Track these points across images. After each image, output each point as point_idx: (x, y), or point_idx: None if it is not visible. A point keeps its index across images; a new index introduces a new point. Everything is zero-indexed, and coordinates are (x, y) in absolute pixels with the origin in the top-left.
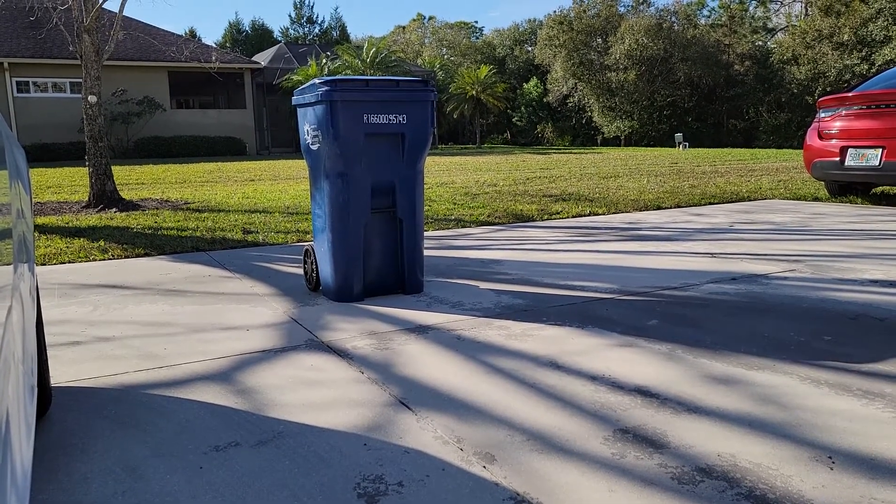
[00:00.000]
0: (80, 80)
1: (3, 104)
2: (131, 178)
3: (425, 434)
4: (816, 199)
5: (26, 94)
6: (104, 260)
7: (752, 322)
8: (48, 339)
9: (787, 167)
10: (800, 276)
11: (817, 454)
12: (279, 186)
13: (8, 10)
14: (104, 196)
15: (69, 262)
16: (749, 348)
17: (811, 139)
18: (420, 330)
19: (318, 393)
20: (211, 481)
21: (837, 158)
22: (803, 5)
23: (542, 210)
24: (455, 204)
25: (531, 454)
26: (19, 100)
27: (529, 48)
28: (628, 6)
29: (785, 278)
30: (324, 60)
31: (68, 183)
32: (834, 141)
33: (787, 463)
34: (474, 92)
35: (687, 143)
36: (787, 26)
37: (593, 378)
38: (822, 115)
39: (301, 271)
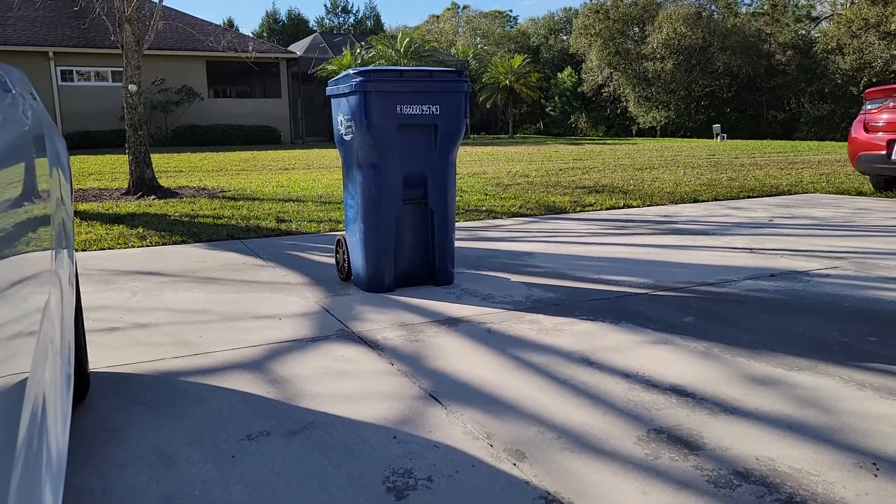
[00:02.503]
0: (122, 69)
1: (48, 93)
2: (169, 166)
3: (455, 429)
4: (860, 193)
5: (70, 82)
6: (142, 247)
7: (793, 321)
8: (88, 325)
9: (830, 160)
10: (843, 273)
11: (861, 460)
12: (312, 175)
13: (53, 1)
14: (143, 183)
15: (109, 248)
16: (789, 348)
17: (856, 132)
18: (450, 322)
19: (348, 384)
20: (242, 470)
21: (884, 152)
22: None
23: (574, 202)
24: (486, 195)
25: (562, 452)
26: (63, 88)
27: (564, 37)
28: None
29: (827, 276)
30: (358, 50)
31: (109, 170)
32: (881, 134)
33: (829, 469)
34: (507, 81)
35: (725, 135)
36: (832, 15)
37: (627, 376)
38: (869, 106)
39: (333, 261)
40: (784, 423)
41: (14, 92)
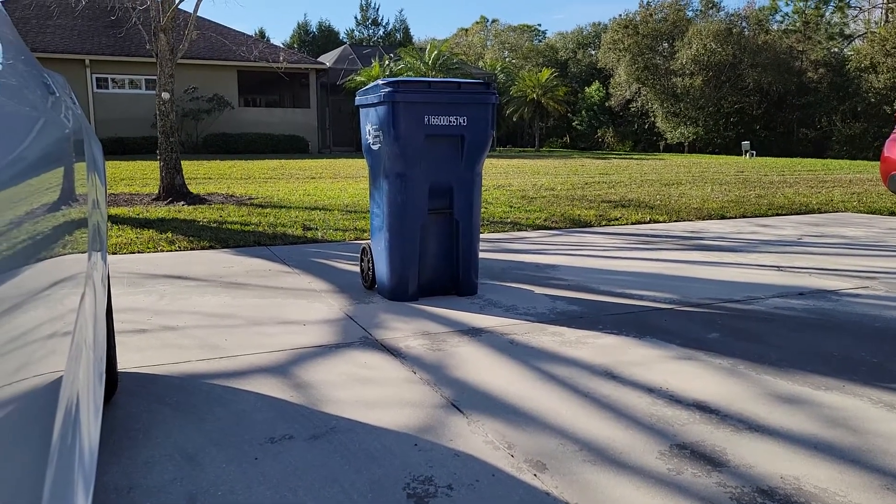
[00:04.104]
0: (155, 77)
1: (84, 99)
2: (199, 173)
3: (476, 438)
4: (893, 213)
5: (105, 89)
6: (171, 251)
7: (821, 340)
8: (117, 326)
9: (862, 179)
10: (873, 293)
11: (889, 482)
12: (339, 185)
13: (91, 10)
14: (173, 189)
15: (139, 252)
16: (816, 367)
17: (889, 151)
18: (473, 332)
19: (370, 391)
20: (265, 472)
21: None
22: (884, 11)
23: (600, 216)
24: (511, 207)
25: (583, 465)
26: (98, 95)
27: (592, 52)
28: (697, 10)
29: (857, 295)
30: (387, 62)
31: (140, 176)
32: None
33: (856, 489)
34: (535, 95)
35: (754, 152)
36: (865, 33)
37: (650, 390)
38: None
39: (357, 269)
40: (810, 442)
41: (57, 94)
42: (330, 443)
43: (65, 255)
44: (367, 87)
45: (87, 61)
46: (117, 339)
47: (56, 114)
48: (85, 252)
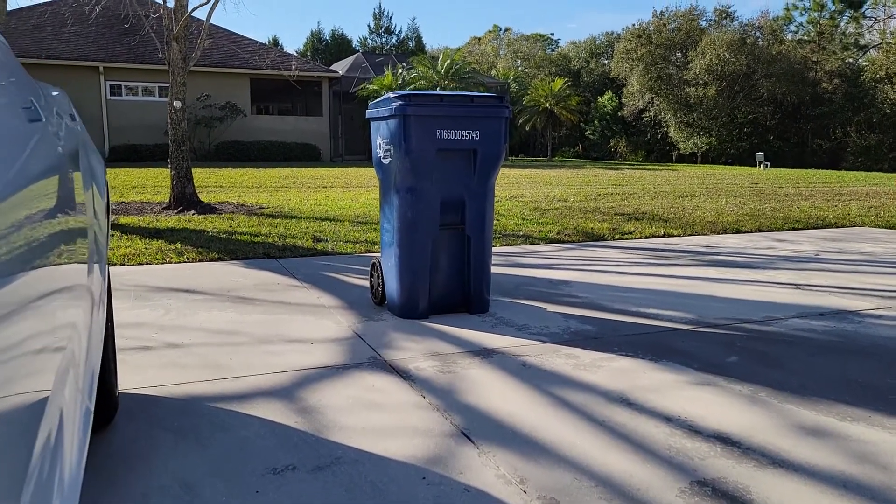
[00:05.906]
0: (168, 85)
1: (97, 106)
2: (210, 181)
3: (487, 471)
4: None
5: (118, 97)
6: (179, 262)
7: (844, 364)
8: (121, 343)
9: (879, 192)
10: None
11: None
12: (350, 195)
13: (105, 18)
14: (184, 198)
15: (147, 263)
16: (841, 395)
17: None
18: (484, 353)
19: (378, 417)
20: None
21: None
22: None
23: (613, 229)
24: (524, 219)
25: (600, 503)
26: (112, 102)
27: (605, 61)
28: (710, 20)
29: (880, 316)
30: (399, 70)
31: (152, 183)
32: None
33: None
34: (547, 104)
35: (768, 163)
36: (880, 43)
37: (668, 419)
38: None
39: (367, 283)
40: (838, 479)
41: (43, 120)
42: (334, 475)
43: (58, 266)
44: (378, 99)
45: (101, 68)
46: (120, 356)
47: (43, 144)
48: (82, 264)
